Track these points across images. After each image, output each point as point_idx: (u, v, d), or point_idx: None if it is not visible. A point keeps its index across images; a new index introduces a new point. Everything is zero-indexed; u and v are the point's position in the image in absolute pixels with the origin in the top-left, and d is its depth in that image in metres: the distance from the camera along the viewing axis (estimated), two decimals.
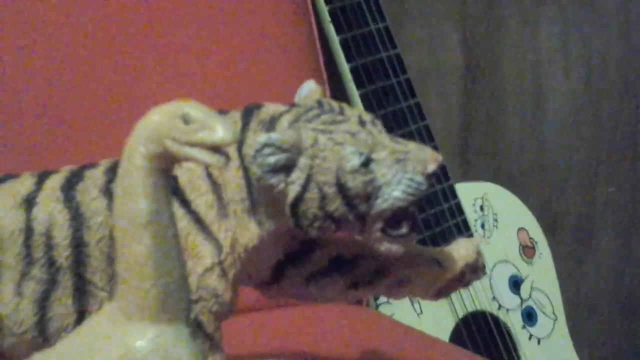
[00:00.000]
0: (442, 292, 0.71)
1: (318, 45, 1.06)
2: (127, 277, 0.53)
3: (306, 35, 1.05)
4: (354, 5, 1.12)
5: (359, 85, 1.11)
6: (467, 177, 1.36)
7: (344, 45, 1.11)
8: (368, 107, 1.11)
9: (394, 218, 0.63)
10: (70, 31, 0.93)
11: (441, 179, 1.16)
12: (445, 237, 1.13)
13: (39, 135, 0.90)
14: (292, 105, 0.65)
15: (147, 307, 0.53)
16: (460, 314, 1.15)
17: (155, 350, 0.52)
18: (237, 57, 0.99)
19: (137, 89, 0.94)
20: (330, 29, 1.11)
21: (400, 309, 1.09)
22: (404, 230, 0.64)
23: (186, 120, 0.51)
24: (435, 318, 1.12)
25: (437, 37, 1.35)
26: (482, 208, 1.21)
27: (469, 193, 1.20)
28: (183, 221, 0.63)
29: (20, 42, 0.91)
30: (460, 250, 0.70)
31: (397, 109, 1.14)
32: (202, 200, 0.63)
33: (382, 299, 1.09)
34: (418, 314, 1.11)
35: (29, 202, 0.63)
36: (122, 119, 0.91)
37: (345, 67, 1.11)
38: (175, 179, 0.64)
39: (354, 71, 1.11)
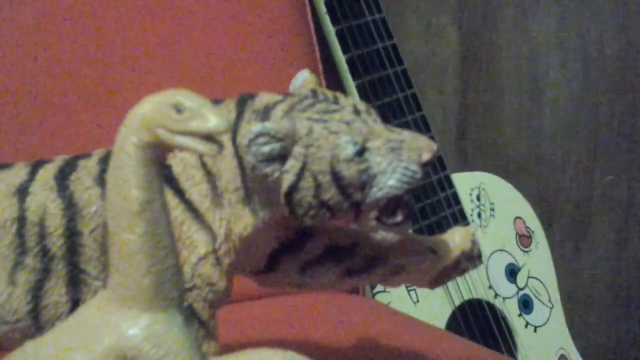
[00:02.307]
0: (437, 280, 0.71)
1: (314, 36, 1.06)
2: (120, 266, 0.53)
3: (302, 26, 1.05)
4: None
5: (355, 76, 1.11)
6: (463, 167, 1.37)
7: (340, 36, 1.11)
8: (364, 97, 1.11)
9: (389, 206, 0.63)
10: (65, 21, 0.93)
11: (437, 168, 1.16)
12: (442, 227, 1.13)
13: (32, 125, 0.90)
14: (287, 94, 0.65)
15: (140, 295, 0.53)
16: (457, 302, 1.15)
17: (149, 338, 0.53)
18: (232, 47, 0.99)
19: (131, 79, 0.94)
20: (327, 19, 1.11)
21: (397, 298, 1.10)
22: (398, 218, 0.64)
23: (179, 109, 0.51)
24: (431, 306, 1.12)
25: (433, 28, 1.35)
26: (478, 198, 1.21)
27: (465, 183, 1.20)
28: (177, 210, 0.63)
29: (12, 31, 0.91)
30: (455, 239, 0.70)
31: (393, 99, 1.14)
32: (196, 190, 0.63)
33: (379, 287, 1.09)
34: (414, 303, 1.11)
35: (23, 192, 0.64)
36: (116, 109, 0.91)
37: (341, 58, 1.11)
38: (169, 168, 0.64)
39: (350, 62, 1.11)
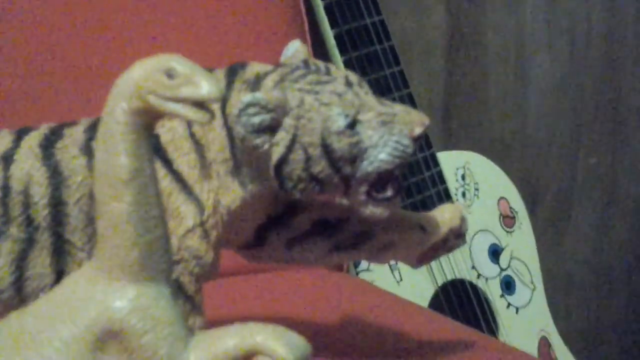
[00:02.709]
0: (425, 257, 0.71)
1: (303, 10, 1.05)
2: (107, 236, 0.52)
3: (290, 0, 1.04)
4: None
5: (342, 51, 1.10)
6: (449, 146, 1.36)
7: (328, 10, 1.10)
8: None
9: (379, 181, 0.63)
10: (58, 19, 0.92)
11: (423, 147, 1.15)
12: (427, 205, 1.13)
13: (20, 93, 0.89)
14: (278, 65, 0.64)
15: (128, 266, 0.52)
16: (440, 282, 1.15)
17: (135, 310, 0.52)
18: (220, 19, 0.97)
19: (119, 49, 0.92)
20: None
21: (380, 277, 1.09)
22: (388, 193, 0.63)
23: (170, 74, 0.50)
24: (414, 286, 1.12)
25: (422, 6, 1.34)
26: (463, 177, 1.21)
27: (450, 162, 1.20)
28: (165, 181, 0.62)
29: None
30: (444, 215, 0.69)
31: (380, 76, 1.13)
32: (184, 160, 0.62)
33: (362, 266, 1.09)
34: (398, 282, 1.11)
35: (7, 160, 0.62)
36: (104, 79, 0.90)
37: (329, 33, 1.10)
38: (157, 137, 0.62)
39: (338, 37, 1.10)
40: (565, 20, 1.42)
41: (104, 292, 0.52)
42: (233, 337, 0.52)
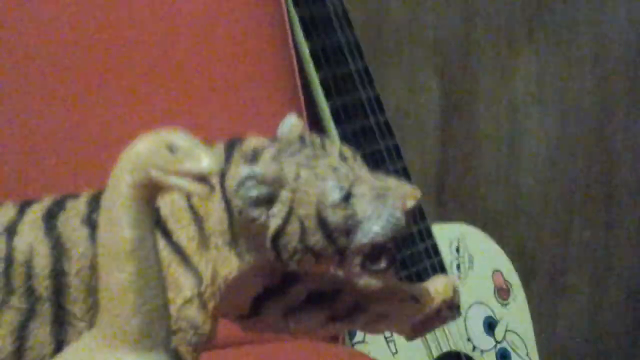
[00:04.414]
0: (419, 328, 0.71)
1: (299, 85, 1.07)
2: (109, 305, 0.53)
3: (287, 72, 1.06)
4: (334, 46, 1.13)
5: (338, 124, 1.12)
6: (443, 218, 1.37)
7: (324, 84, 1.12)
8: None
9: (373, 253, 0.64)
10: (47, 62, 0.94)
11: (417, 219, 1.17)
12: (422, 277, 1.13)
13: (22, 164, 0.90)
14: (275, 139, 0.65)
15: (128, 334, 0.53)
16: (435, 354, 1.15)
17: None
18: (220, 94, 0.99)
19: (120, 120, 0.94)
20: (310, 66, 1.12)
21: (376, 348, 1.09)
22: (382, 264, 0.64)
23: (172, 149, 0.52)
24: (410, 358, 1.12)
25: (415, 81, 1.37)
26: (457, 249, 1.22)
27: (445, 234, 1.21)
28: (164, 252, 0.63)
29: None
30: (437, 287, 0.70)
31: (375, 149, 1.15)
32: (183, 232, 0.64)
33: (358, 337, 1.09)
34: (393, 354, 1.11)
35: (10, 231, 0.63)
36: (104, 149, 0.91)
37: (324, 106, 1.12)
38: (157, 210, 0.64)
39: (333, 110, 1.12)
40: (556, 94, 1.45)
41: None
42: None
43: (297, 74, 1.07)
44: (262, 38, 1.03)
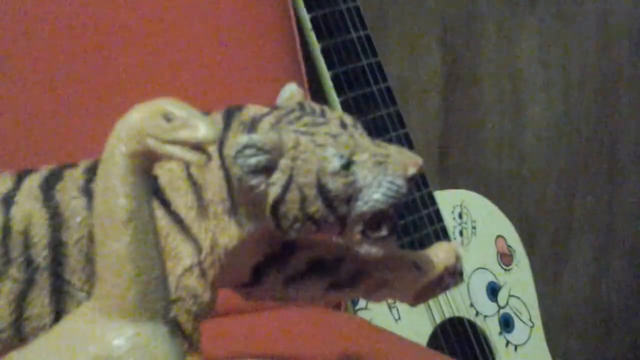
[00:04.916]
0: (421, 295, 0.71)
1: (300, 53, 1.07)
2: (106, 276, 0.53)
3: (288, 42, 1.06)
4: (335, 14, 1.12)
5: (339, 92, 1.12)
6: (445, 185, 1.37)
7: (325, 52, 1.11)
8: (348, 114, 1.11)
9: (374, 220, 0.64)
10: (54, 32, 0.93)
11: (420, 186, 1.16)
12: (424, 244, 1.13)
13: (19, 135, 0.90)
14: (274, 107, 0.65)
15: (126, 305, 0.53)
16: (438, 320, 1.15)
17: (134, 349, 0.52)
18: (218, 62, 0.99)
19: (116, 90, 0.94)
20: (312, 36, 1.11)
21: (379, 315, 1.10)
22: (383, 232, 0.64)
23: (168, 118, 0.51)
24: (412, 324, 1.12)
25: (417, 48, 1.36)
26: (460, 215, 1.22)
27: (447, 200, 1.21)
28: (163, 221, 0.63)
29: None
30: (439, 254, 0.70)
31: (377, 116, 1.14)
32: (182, 201, 0.63)
33: (361, 304, 1.09)
34: (396, 320, 1.11)
35: (8, 201, 0.63)
36: (102, 120, 0.91)
37: (326, 74, 1.12)
38: (155, 179, 0.64)
39: (334, 78, 1.12)
40: (560, 60, 1.44)
41: (102, 331, 0.53)
42: None
43: (297, 42, 1.06)
44: (263, 8, 1.03)
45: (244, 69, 1.00)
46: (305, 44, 1.10)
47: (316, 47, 1.11)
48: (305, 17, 1.10)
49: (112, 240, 0.52)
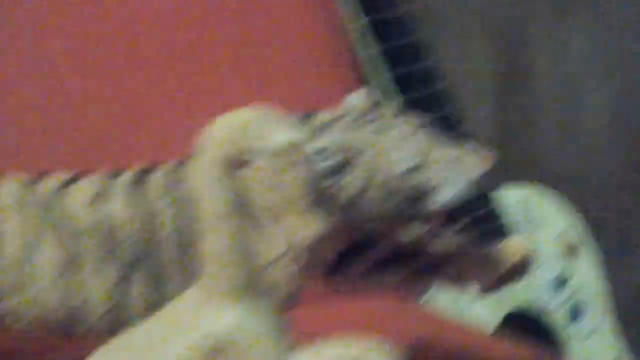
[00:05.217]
0: (492, 287, 0.74)
1: (360, 56, 1.09)
2: (210, 267, 0.58)
3: (348, 46, 1.08)
4: (392, 18, 1.14)
5: (397, 94, 1.13)
6: (508, 181, 1.38)
7: (384, 55, 1.13)
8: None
9: (447, 216, 0.66)
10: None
11: (485, 182, 1.17)
12: (490, 239, 1.14)
13: (93, 139, 0.94)
14: (346, 112, 0.68)
15: (229, 291, 0.58)
16: (505, 311, 1.16)
17: (240, 327, 0.58)
18: (289, 69, 1.01)
19: (193, 99, 0.97)
20: (371, 40, 1.13)
21: (447, 305, 1.11)
22: (456, 227, 0.67)
23: (252, 125, 0.55)
24: (480, 314, 1.13)
25: (472, 51, 1.37)
26: (524, 210, 1.22)
27: (511, 196, 1.22)
28: (250, 219, 0.66)
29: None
30: (509, 248, 0.73)
31: (438, 116, 1.16)
32: (265, 199, 0.66)
33: (430, 294, 1.10)
34: (464, 310, 1.13)
35: (103, 198, 0.68)
36: (176, 122, 0.94)
37: (384, 77, 1.13)
38: (241, 180, 0.67)
39: (393, 80, 1.14)
40: (617, 56, 1.44)
41: (212, 311, 0.58)
42: (335, 348, 0.56)
43: (356, 48, 1.08)
44: (321, 13, 1.05)
45: (308, 77, 1.03)
46: (364, 47, 1.13)
47: (374, 50, 1.13)
48: (364, 21, 1.13)
49: (212, 235, 0.57)
